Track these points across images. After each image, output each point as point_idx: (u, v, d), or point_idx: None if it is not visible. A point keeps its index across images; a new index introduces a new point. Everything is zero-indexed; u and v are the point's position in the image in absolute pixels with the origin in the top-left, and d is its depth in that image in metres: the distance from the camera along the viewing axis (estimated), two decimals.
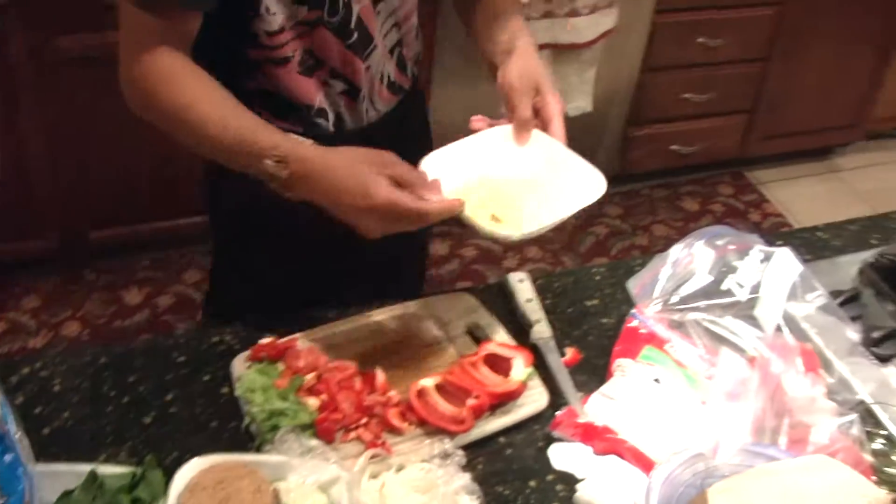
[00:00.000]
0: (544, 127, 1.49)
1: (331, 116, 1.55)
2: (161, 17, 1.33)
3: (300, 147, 1.32)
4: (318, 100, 1.52)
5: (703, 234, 1.49)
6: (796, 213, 4.09)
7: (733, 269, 1.45)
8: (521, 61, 1.53)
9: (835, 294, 1.60)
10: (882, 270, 1.72)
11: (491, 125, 1.50)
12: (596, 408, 1.35)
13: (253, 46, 1.45)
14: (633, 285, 1.46)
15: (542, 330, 1.46)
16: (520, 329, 1.48)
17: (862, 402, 1.41)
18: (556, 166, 1.46)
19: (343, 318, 1.48)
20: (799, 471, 1.16)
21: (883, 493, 1.16)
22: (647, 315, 1.44)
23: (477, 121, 1.50)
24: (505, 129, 1.49)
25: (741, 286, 1.44)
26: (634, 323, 1.45)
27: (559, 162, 1.46)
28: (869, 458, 1.33)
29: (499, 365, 1.37)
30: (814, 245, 1.80)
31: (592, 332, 1.51)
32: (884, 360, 1.53)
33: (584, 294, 1.58)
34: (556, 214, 1.36)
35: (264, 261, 1.70)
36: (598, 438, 1.32)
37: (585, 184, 1.42)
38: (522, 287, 1.53)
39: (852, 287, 1.65)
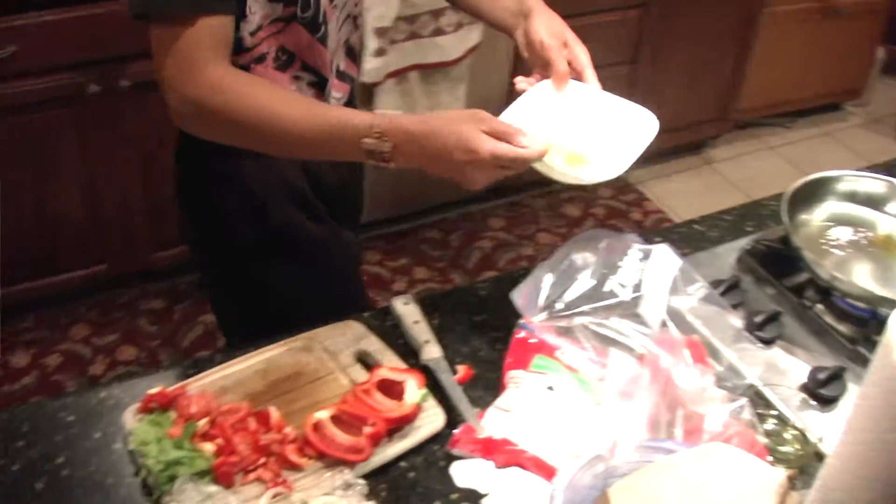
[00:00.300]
0: (578, 77, 1.64)
1: None
2: (216, 15, 1.39)
3: (396, 119, 1.40)
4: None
5: (581, 240, 1.50)
6: (676, 208, 4.17)
7: (614, 271, 1.47)
8: (545, 19, 1.68)
9: (715, 284, 1.63)
10: (759, 256, 1.76)
11: (531, 84, 1.63)
12: (493, 421, 1.36)
13: (237, 53, 1.51)
14: (518, 296, 1.47)
15: (431, 350, 1.46)
16: (410, 351, 1.48)
17: (751, 386, 1.44)
18: (605, 111, 1.61)
19: (230, 359, 1.46)
20: (696, 460, 1.18)
21: (779, 472, 1.18)
22: (534, 324, 1.45)
23: (521, 81, 1.64)
24: (545, 85, 1.63)
25: (623, 286, 1.46)
26: (523, 334, 1.46)
27: (606, 106, 1.62)
28: (763, 439, 1.35)
29: (392, 389, 1.37)
30: (692, 238, 1.84)
31: (482, 347, 1.52)
32: (768, 342, 1.57)
33: (471, 310, 1.59)
34: (629, 153, 1.51)
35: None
36: (499, 451, 1.32)
37: (638, 122, 1.59)
38: (408, 310, 1.53)
39: (732, 275, 1.69)
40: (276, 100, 1.43)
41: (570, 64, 1.64)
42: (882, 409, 1.00)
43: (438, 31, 3.28)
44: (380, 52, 3.16)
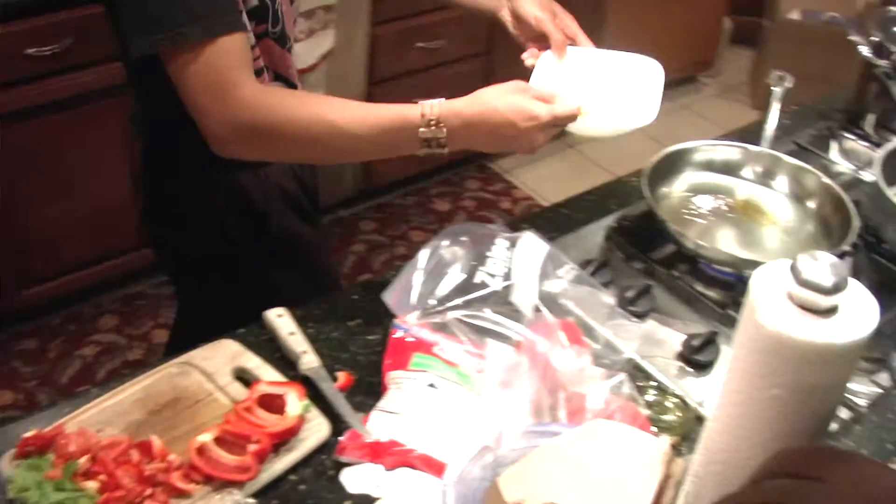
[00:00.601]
0: (572, 42, 1.78)
1: None
2: (234, 33, 1.42)
3: (445, 105, 1.46)
4: None
5: (448, 234, 1.51)
6: (545, 193, 4.22)
7: (483, 262, 1.48)
8: None
9: (585, 264, 1.65)
10: (625, 233, 1.79)
11: (536, 57, 1.78)
12: (378, 424, 1.35)
13: None
14: (390, 297, 1.46)
15: (309, 360, 1.45)
16: (289, 364, 1.47)
17: (629, 361, 1.47)
18: (611, 67, 1.76)
19: (106, 391, 1.43)
20: (581, 439, 1.19)
21: (662, 441, 1.20)
22: (409, 323, 1.45)
23: (529, 57, 1.79)
24: (548, 56, 1.78)
25: (493, 276, 1.46)
26: (399, 334, 1.45)
27: (610, 63, 1.77)
28: (645, 410, 1.38)
29: (273, 404, 1.36)
30: (558, 222, 1.85)
31: (360, 351, 1.51)
32: (641, 316, 1.59)
33: (345, 315, 1.58)
34: (652, 98, 1.67)
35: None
36: (387, 454, 1.32)
37: (645, 70, 1.76)
38: (282, 322, 1.51)
39: (600, 254, 1.71)
40: (324, 107, 1.47)
41: (562, 31, 1.78)
42: (752, 369, 1.03)
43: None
44: None
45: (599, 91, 1.65)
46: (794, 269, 1.00)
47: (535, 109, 1.46)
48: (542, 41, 1.80)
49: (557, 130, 1.54)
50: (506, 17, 1.83)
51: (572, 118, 1.52)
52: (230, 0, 1.44)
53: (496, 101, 1.47)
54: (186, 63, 1.40)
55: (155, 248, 1.97)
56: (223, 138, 1.46)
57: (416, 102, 1.46)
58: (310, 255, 1.74)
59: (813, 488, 0.57)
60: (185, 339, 1.58)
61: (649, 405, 1.42)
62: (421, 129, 1.44)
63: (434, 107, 1.45)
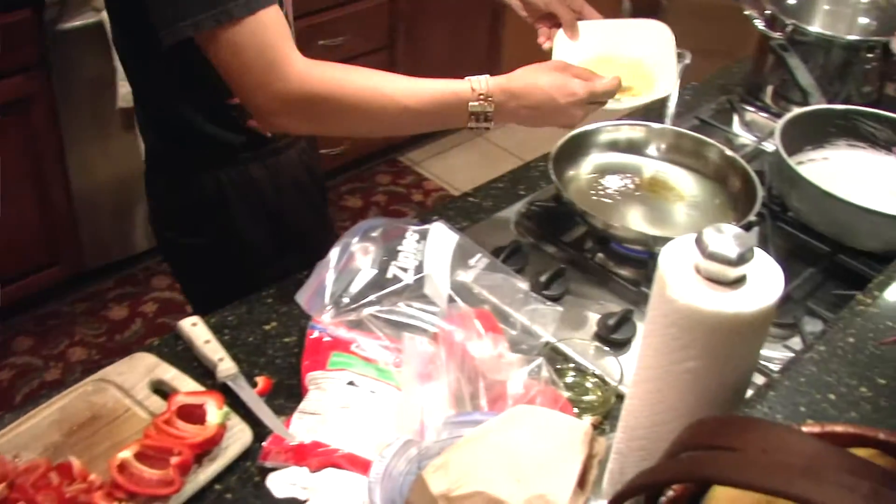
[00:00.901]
0: (581, 14, 1.88)
1: None
2: (271, 6, 1.42)
3: (492, 80, 1.54)
4: None
5: (357, 231, 1.50)
6: (456, 183, 4.23)
7: (394, 256, 1.47)
8: None
9: (497, 252, 1.66)
10: (535, 218, 1.80)
11: (549, 37, 1.87)
12: (300, 427, 1.34)
13: None
14: (303, 298, 1.45)
15: (226, 367, 1.43)
16: (207, 372, 1.45)
17: (547, 344, 1.47)
18: (623, 36, 1.86)
19: (21, 415, 1.40)
20: (503, 426, 1.19)
21: (584, 422, 1.21)
22: (325, 323, 1.44)
23: (545, 41, 1.87)
24: (561, 35, 1.86)
25: (405, 270, 1.46)
26: (316, 334, 1.44)
27: (620, 32, 1.87)
28: (565, 392, 1.38)
29: (193, 414, 1.34)
30: (468, 211, 1.86)
31: (278, 354, 1.50)
32: (556, 299, 1.60)
33: (261, 319, 1.56)
34: (669, 63, 1.80)
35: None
36: (311, 455, 1.31)
37: (656, 33, 1.87)
38: (197, 330, 1.50)
39: (512, 241, 1.72)
40: (379, 80, 1.51)
41: (569, 7, 1.87)
42: (666, 343, 1.04)
43: None
44: None
45: (617, 70, 1.71)
46: (699, 242, 1.01)
47: (573, 86, 1.56)
48: (550, 19, 1.89)
49: (596, 108, 1.63)
50: (513, 0, 1.90)
51: (611, 94, 1.62)
52: None
53: (539, 77, 1.56)
54: (232, 41, 1.40)
55: (164, 251, 1.97)
56: (274, 112, 1.47)
57: (463, 78, 1.53)
58: (318, 245, 1.72)
59: (725, 457, 0.58)
60: None
61: (569, 387, 1.43)
62: (471, 103, 1.52)
63: (482, 82, 1.53)
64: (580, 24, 1.86)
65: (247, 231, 1.80)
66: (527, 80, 1.56)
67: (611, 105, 1.66)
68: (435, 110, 1.52)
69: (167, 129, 1.74)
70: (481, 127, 1.54)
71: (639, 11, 5.27)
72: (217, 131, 1.69)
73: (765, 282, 1.02)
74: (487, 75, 1.53)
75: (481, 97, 1.52)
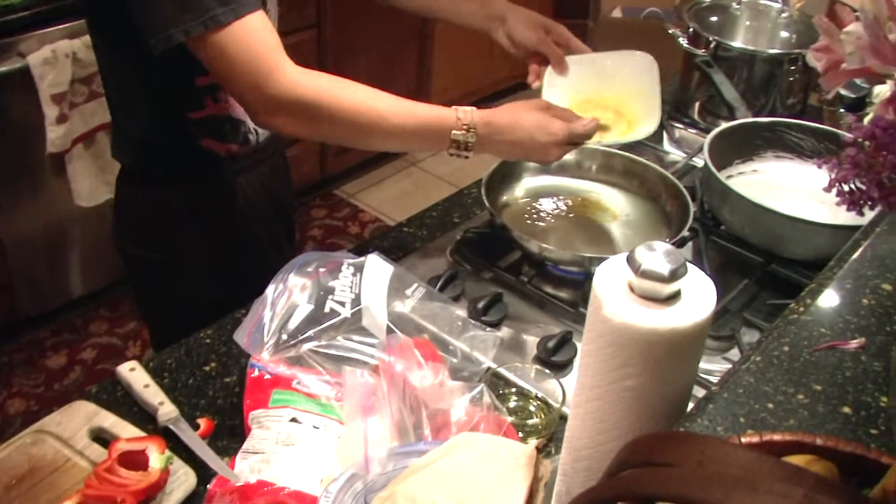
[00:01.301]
0: (567, 48, 1.91)
1: (253, 129, 1.79)
2: (257, 11, 1.48)
3: (477, 113, 1.60)
4: (244, 115, 1.72)
5: (293, 266, 1.49)
6: (392, 214, 4.23)
7: (331, 290, 1.47)
8: (520, 19, 1.91)
9: (434, 281, 1.66)
10: (470, 245, 1.80)
11: (538, 76, 1.91)
12: (245, 467, 1.33)
13: (203, 73, 1.58)
14: (241, 337, 1.44)
15: (167, 411, 1.42)
16: (147, 417, 1.44)
17: (487, 370, 1.47)
18: (610, 71, 1.90)
19: None
20: (447, 454, 1.19)
21: (528, 446, 1.21)
22: (265, 361, 1.43)
23: (534, 81, 1.92)
24: (549, 70, 1.90)
25: (342, 303, 1.46)
26: (256, 373, 1.43)
27: (608, 66, 1.90)
28: (509, 417, 1.38)
29: (136, 461, 1.32)
30: (404, 241, 1.86)
31: (219, 395, 1.49)
32: (495, 325, 1.60)
33: (200, 361, 1.55)
34: (653, 101, 1.87)
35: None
36: (257, 495, 1.29)
37: (640, 65, 1.92)
38: (135, 375, 1.48)
39: (448, 269, 1.72)
40: (369, 95, 1.56)
41: (556, 43, 1.90)
42: (604, 362, 1.04)
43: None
44: (61, 119, 3.06)
45: (605, 105, 1.84)
46: (632, 261, 1.02)
47: (554, 127, 1.63)
48: (539, 55, 1.93)
49: (573, 149, 1.72)
50: (501, 38, 1.93)
51: (589, 136, 1.68)
52: None
53: (522, 115, 1.63)
54: (221, 46, 1.46)
55: (129, 267, 1.97)
56: (266, 112, 1.52)
57: (450, 107, 1.60)
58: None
59: (662, 473, 0.58)
60: None
61: (512, 411, 1.44)
62: (454, 132, 1.58)
63: (468, 113, 1.59)
64: (568, 59, 1.90)
65: (195, 250, 1.84)
66: (511, 116, 1.62)
67: (590, 144, 1.74)
68: (419, 132, 1.59)
69: (129, 143, 1.79)
70: (461, 155, 1.60)
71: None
72: (168, 146, 1.75)
73: (698, 296, 1.04)
74: (474, 108, 1.59)
75: (465, 127, 1.57)
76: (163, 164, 1.77)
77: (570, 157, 1.94)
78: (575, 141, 1.67)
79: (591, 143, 1.77)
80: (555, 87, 1.88)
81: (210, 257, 1.84)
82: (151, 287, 1.95)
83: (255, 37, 1.48)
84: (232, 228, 1.85)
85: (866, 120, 0.87)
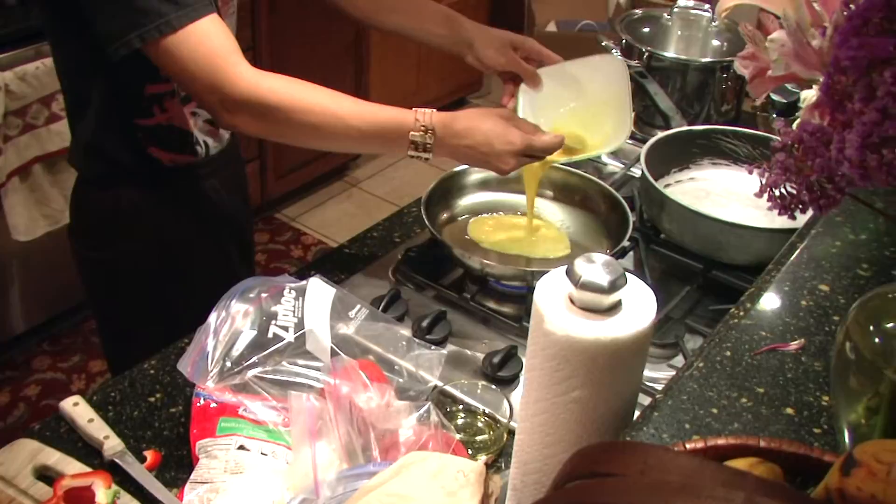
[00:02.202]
0: (539, 59, 1.89)
1: (202, 141, 1.81)
2: (210, 15, 1.51)
3: (436, 115, 1.59)
4: (193, 127, 1.78)
5: (235, 293, 1.48)
6: (335, 236, 4.22)
7: (273, 315, 1.46)
8: (487, 42, 1.89)
9: (377, 301, 1.66)
10: (412, 264, 1.80)
11: (513, 94, 1.88)
12: (194, 497, 1.32)
13: (152, 81, 1.65)
14: (185, 366, 1.43)
15: (112, 445, 1.40)
16: (94, 451, 1.42)
17: (434, 388, 1.47)
18: (583, 79, 1.88)
19: None
20: (396, 474, 1.19)
21: (478, 462, 1.21)
22: (210, 389, 1.42)
23: (508, 100, 1.89)
24: (522, 87, 1.88)
25: (285, 328, 1.45)
26: (201, 402, 1.42)
27: (580, 75, 1.88)
28: (457, 435, 1.38)
29: (82, 497, 1.30)
30: (346, 262, 1.85)
31: (165, 426, 1.47)
32: (440, 343, 1.60)
33: (144, 392, 1.53)
34: (624, 112, 1.84)
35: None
36: None
37: (611, 70, 1.89)
38: (79, 410, 1.46)
39: (391, 288, 1.72)
40: (322, 96, 1.58)
41: (528, 59, 1.88)
42: (548, 376, 1.05)
43: (54, 118, 3.16)
44: None
45: (577, 117, 1.84)
46: (571, 273, 1.03)
47: (512, 136, 1.61)
48: (510, 73, 1.91)
49: (531, 161, 1.68)
50: (472, 62, 1.92)
51: (549, 151, 1.66)
52: None
53: (482, 121, 1.62)
54: (176, 49, 1.49)
55: (81, 268, 1.98)
56: (225, 112, 1.54)
57: (410, 109, 1.59)
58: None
59: (607, 483, 0.58)
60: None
61: (460, 428, 1.43)
62: (412, 133, 1.57)
63: (427, 115, 1.59)
64: (540, 71, 1.88)
65: (142, 252, 1.86)
66: (470, 121, 1.62)
67: (553, 158, 1.72)
68: (378, 134, 1.59)
69: (80, 146, 1.81)
70: (421, 157, 1.60)
71: None
72: (116, 150, 1.76)
73: (639, 306, 1.05)
74: (434, 110, 1.59)
75: (423, 128, 1.57)
76: (111, 168, 1.78)
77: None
78: (532, 154, 1.65)
79: (557, 161, 1.78)
80: (528, 106, 1.87)
81: (156, 260, 1.86)
82: (100, 287, 1.97)
83: (211, 39, 1.51)
84: (177, 234, 1.86)
85: (795, 124, 0.88)
